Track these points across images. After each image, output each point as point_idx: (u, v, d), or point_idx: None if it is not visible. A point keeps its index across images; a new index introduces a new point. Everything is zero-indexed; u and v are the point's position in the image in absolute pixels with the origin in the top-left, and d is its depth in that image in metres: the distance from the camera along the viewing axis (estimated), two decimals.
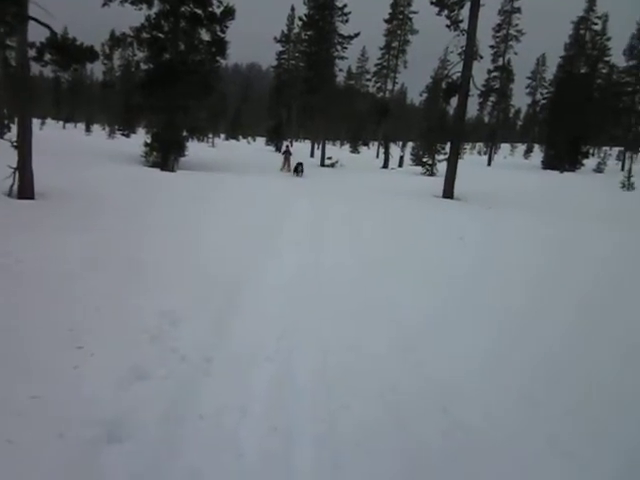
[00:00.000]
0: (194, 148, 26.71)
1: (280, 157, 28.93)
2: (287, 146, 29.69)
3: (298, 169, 24.84)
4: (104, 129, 62.87)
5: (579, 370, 4.25)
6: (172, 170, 20.05)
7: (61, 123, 74.96)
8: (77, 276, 5.44)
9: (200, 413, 3.17)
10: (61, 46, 9.78)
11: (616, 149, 65.27)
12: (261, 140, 74.87)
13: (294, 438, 3.03)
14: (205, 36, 21.96)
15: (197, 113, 25.94)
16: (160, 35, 21.38)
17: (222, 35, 21.88)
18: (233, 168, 23.33)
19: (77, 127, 73.16)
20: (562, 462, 3.01)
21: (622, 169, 48.17)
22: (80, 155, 20.90)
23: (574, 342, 4.86)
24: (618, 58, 55.69)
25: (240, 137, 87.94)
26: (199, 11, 21.34)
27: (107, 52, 66.05)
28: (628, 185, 27.00)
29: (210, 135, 57.95)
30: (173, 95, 20.66)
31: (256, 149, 54.51)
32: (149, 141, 22.43)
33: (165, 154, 21.27)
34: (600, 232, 11.85)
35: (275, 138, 54.89)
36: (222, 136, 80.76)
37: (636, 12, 54.02)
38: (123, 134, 56.76)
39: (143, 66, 22.52)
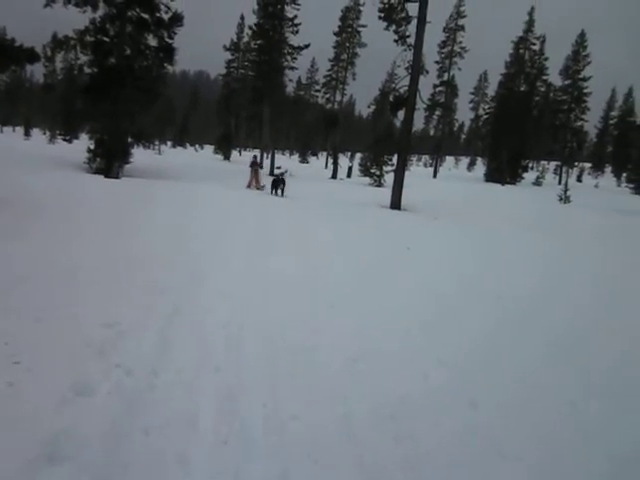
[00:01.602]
0: (140, 155, 26.07)
1: (247, 171, 23.41)
2: (255, 157, 24.69)
3: (278, 186, 18.09)
4: (44, 134, 60.60)
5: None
6: (116, 177, 19.51)
7: None
8: (14, 286, 5.17)
9: (146, 428, 3.06)
10: None
11: (553, 163, 68.50)
12: (209, 148, 74.20)
13: (243, 451, 2.97)
14: (152, 42, 21.59)
15: (143, 119, 25.38)
16: (105, 39, 20.84)
17: (170, 41, 21.56)
18: (182, 176, 22.94)
19: (15, 131, 70.23)
20: (508, 464, 3.09)
21: (559, 183, 50.52)
22: (17, 161, 20.03)
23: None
24: (555, 77, 58.69)
25: (187, 145, 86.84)
26: (146, 16, 20.96)
27: (49, 54, 63.62)
28: (565, 198, 28.38)
29: (157, 142, 56.79)
30: (118, 100, 20.17)
31: (204, 157, 53.85)
32: (92, 147, 21.77)
33: (109, 161, 20.70)
34: (537, 240, 12.39)
35: (224, 146, 54.41)
36: (169, 143, 79.49)
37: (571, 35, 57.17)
38: (65, 139, 54.85)
39: (87, 70, 21.87)
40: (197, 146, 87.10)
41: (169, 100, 58.24)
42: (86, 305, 4.88)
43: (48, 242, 7.17)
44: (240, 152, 68.93)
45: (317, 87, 66.45)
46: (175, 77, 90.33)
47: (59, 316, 4.52)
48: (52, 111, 59.63)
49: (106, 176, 18.94)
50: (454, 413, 3.67)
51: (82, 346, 4.00)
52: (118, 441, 2.91)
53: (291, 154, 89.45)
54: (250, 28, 39.87)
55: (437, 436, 3.34)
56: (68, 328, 4.30)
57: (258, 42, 39.15)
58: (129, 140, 22.38)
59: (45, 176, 15.37)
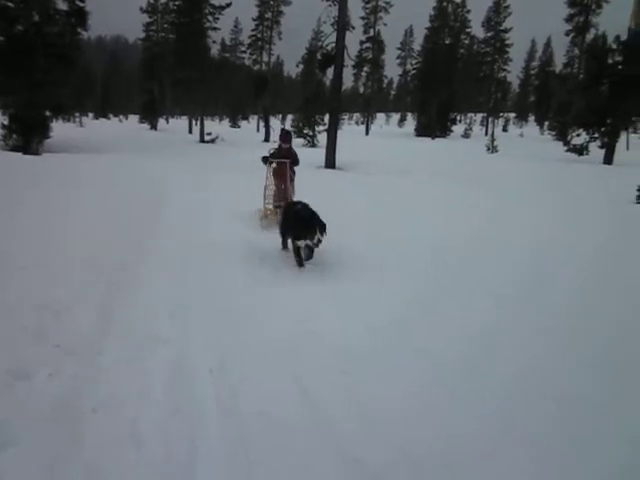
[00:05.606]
0: (60, 128, 24.73)
1: (262, 171, 10.01)
2: (285, 131, 11.10)
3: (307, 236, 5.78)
4: None
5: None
6: (37, 153, 18.49)
7: None
8: None
9: (93, 407, 3.00)
10: None
11: (480, 115, 70.38)
12: (134, 118, 71.27)
13: (196, 420, 2.97)
14: (63, 6, 20.27)
15: (60, 90, 23.90)
16: (9, 4, 19.35)
17: (81, 4, 20.29)
18: (109, 148, 22.00)
19: None
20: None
21: (486, 134, 52.06)
22: None
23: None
24: (477, 30, 59.86)
25: (111, 115, 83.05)
26: None
27: None
28: (492, 148, 29.38)
29: (77, 114, 53.87)
30: (30, 71, 18.92)
31: (130, 127, 51.78)
32: (6, 123, 20.45)
33: (27, 137, 19.55)
34: (463, 191, 12.83)
35: (149, 115, 52.44)
36: (90, 115, 75.79)
37: None
38: None
39: None
40: (121, 116, 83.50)
41: (87, 69, 55.10)
42: (18, 287, 4.66)
43: None
44: (167, 120, 66.63)
45: (243, 48, 64.62)
46: (91, 43, 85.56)
47: None
48: None
49: (25, 153, 17.91)
50: None
51: (18, 329, 3.83)
52: (66, 421, 2.84)
53: (221, 119, 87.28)
54: None
55: None
56: (1, 312, 4.10)
57: (177, 3, 37.53)
58: (47, 113, 21.19)
59: None
